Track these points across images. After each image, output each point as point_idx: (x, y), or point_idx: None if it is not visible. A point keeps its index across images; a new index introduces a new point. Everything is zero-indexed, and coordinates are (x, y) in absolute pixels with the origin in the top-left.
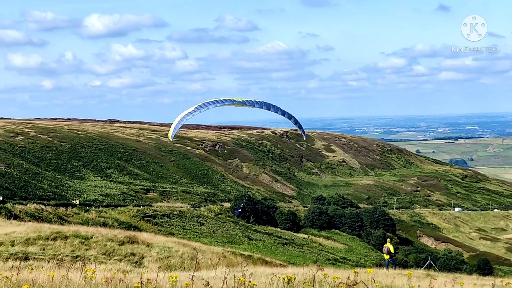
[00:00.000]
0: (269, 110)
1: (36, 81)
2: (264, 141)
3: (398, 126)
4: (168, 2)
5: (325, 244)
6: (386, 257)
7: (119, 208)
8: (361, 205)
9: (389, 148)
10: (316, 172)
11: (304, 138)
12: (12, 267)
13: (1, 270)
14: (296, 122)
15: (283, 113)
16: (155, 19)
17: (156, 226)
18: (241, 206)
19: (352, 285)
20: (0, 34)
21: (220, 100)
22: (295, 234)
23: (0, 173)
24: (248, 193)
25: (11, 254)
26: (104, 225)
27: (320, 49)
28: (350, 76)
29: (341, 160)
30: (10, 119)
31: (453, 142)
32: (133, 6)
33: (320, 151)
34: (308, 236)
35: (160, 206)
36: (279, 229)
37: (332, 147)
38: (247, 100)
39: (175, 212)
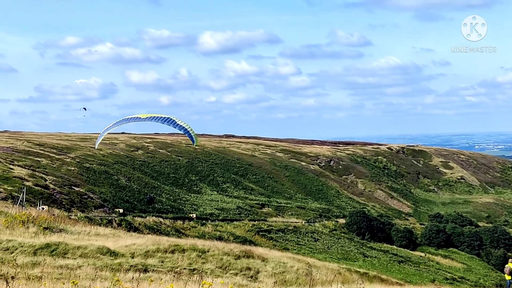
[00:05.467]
0: (164, 123)
1: (154, 97)
2: (379, 157)
3: None
4: (280, 18)
5: (443, 263)
6: (508, 277)
7: (235, 222)
8: (480, 224)
9: (510, 165)
10: (433, 189)
11: (193, 144)
12: (133, 278)
13: (122, 281)
14: (185, 132)
15: (175, 125)
16: (268, 35)
17: (271, 241)
18: (147, 197)
19: None
20: (118, 51)
21: (130, 117)
22: (411, 252)
23: (121, 186)
24: (364, 209)
25: (131, 265)
26: (220, 239)
27: (435, 64)
28: (468, 92)
29: (459, 177)
30: (130, 133)
31: None
32: (246, 22)
33: (438, 168)
34: (425, 255)
35: (275, 221)
36: (395, 247)
37: (450, 163)
38: (150, 117)
39: (290, 227)
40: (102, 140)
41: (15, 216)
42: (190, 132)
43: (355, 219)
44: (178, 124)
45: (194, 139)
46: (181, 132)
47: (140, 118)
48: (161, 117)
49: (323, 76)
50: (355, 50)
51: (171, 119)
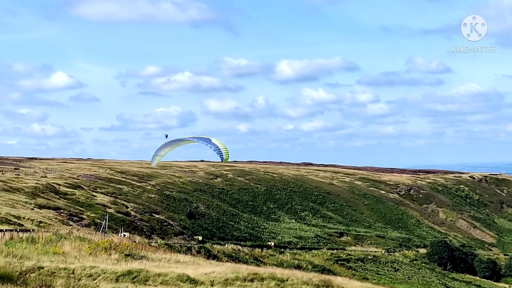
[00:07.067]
0: (198, 141)
1: (232, 125)
2: (461, 186)
3: None
4: (357, 46)
5: None
6: None
7: (313, 251)
8: None
9: None
10: None
11: (221, 161)
12: None
13: None
14: (216, 149)
15: (208, 142)
16: (346, 62)
17: (350, 270)
18: (188, 211)
19: None
20: (197, 80)
21: (176, 139)
22: (495, 283)
23: (200, 213)
24: (445, 239)
25: None
26: (298, 267)
27: None
28: None
29: None
30: (209, 161)
31: None
32: (323, 50)
33: None
34: (510, 286)
35: (354, 250)
36: (478, 278)
37: None
38: (191, 137)
39: (369, 257)
40: (182, 167)
41: (98, 243)
42: (221, 149)
43: (436, 249)
44: (210, 142)
45: (224, 157)
46: (212, 148)
47: (183, 139)
48: (198, 137)
49: (401, 103)
50: (435, 77)
51: (206, 138)
